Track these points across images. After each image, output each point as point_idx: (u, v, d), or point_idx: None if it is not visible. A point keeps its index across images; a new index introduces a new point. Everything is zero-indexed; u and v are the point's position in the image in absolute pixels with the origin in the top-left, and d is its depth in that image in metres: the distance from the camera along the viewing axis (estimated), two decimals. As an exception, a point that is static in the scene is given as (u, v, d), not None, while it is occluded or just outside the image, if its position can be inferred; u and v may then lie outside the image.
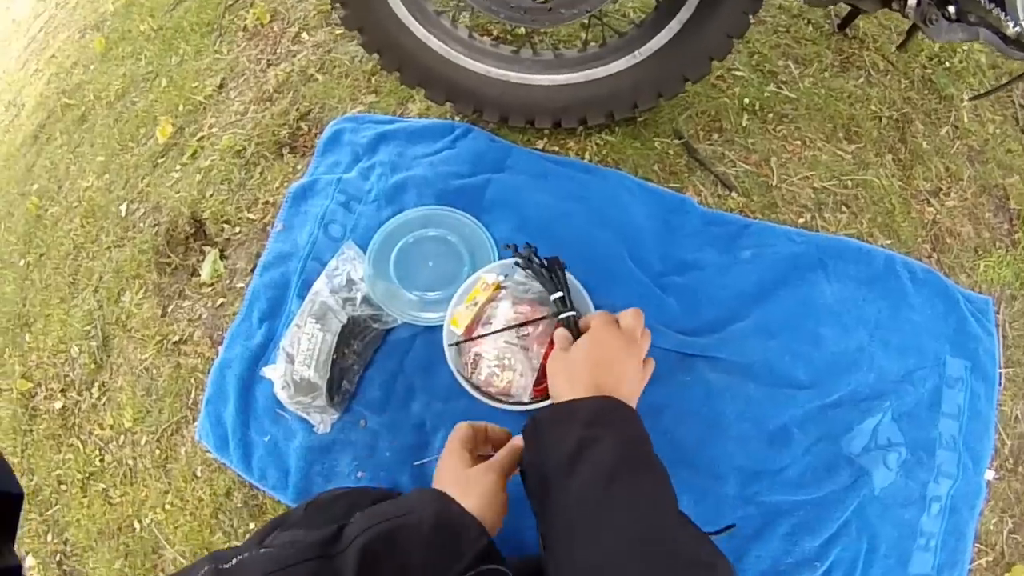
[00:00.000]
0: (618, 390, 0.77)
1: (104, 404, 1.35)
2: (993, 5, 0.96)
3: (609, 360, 0.82)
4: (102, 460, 1.33)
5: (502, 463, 0.81)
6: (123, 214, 1.51)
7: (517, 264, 1.06)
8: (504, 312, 1.03)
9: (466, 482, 0.77)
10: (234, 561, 0.61)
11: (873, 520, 1.06)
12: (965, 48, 1.58)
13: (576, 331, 0.91)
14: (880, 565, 1.04)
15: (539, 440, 0.74)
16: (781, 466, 1.07)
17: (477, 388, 1.03)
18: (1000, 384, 1.19)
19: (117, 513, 1.29)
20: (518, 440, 0.83)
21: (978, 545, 1.14)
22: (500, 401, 1.03)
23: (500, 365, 1.01)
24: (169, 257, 1.40)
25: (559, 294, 0.97)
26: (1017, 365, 1.25)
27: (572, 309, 0.96)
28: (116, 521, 1.29)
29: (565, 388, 0.79)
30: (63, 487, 1.36)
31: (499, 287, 1.06)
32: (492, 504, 0.75)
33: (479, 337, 1.03)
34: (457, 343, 1.06)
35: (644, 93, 1.24)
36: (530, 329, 1.01)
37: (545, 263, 1.02)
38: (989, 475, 1.13)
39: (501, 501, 0.77)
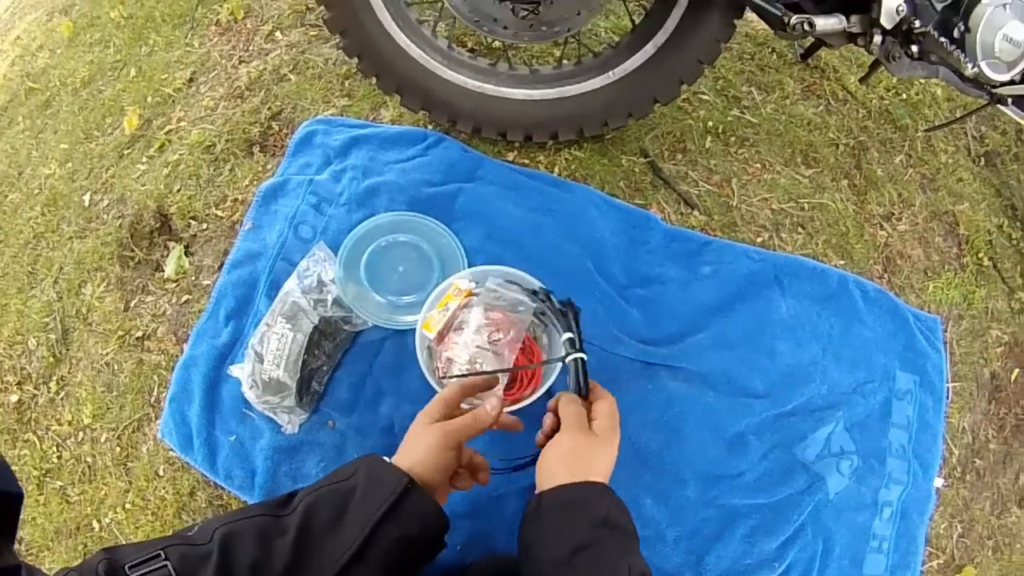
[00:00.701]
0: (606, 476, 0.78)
1: (62, 399, 1.33)
2: (954, 47, 1.03)
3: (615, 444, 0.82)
4: (60, 457, 1.31)
5: (449, 426, 0.82)
6: (86, 204, 1.49)
7: (535, 302, 1.07)
8: (476, 318, 1.06)
9: (411, 440, 0.82)
10: (195, 528, 0.68)
11: (828, 523, 1.12)
12: (922, 82, 1.67)
13: (585, 375, 0.89)
14: (835, 566, 1.11)
15: (540, 521, 0.74)
16: (739, 471, 1.13)
17: (448, 391, 1.06)
18: (948, 398, 1.28)
19: (75, 512, 1.27)
20: (480, 411, 0.85)
21: (929, 548, 1.22)
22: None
23: (471, 369, 1.04)
24: (133, 251, 1.38)
25: (569, 335, 0.94)
26: (964, 380, 1.34)
27: (581, 351, 0.92)
28: (74, 520, 1.26)
29: (575, 469, 0.76)
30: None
31: (471, 293, 1.09)
32: (428, 460, 0.78)
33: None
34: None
35: (615, 112, 1.29)
36: (501, 335, 1.04)
37: (560, 305, 1.01)
38: (939, 483, 1.21)
39: (442, 459, 0.79)
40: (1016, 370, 1.39)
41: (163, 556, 0.62)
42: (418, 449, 0.80)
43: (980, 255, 1.47)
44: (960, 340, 1.38)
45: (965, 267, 1.45)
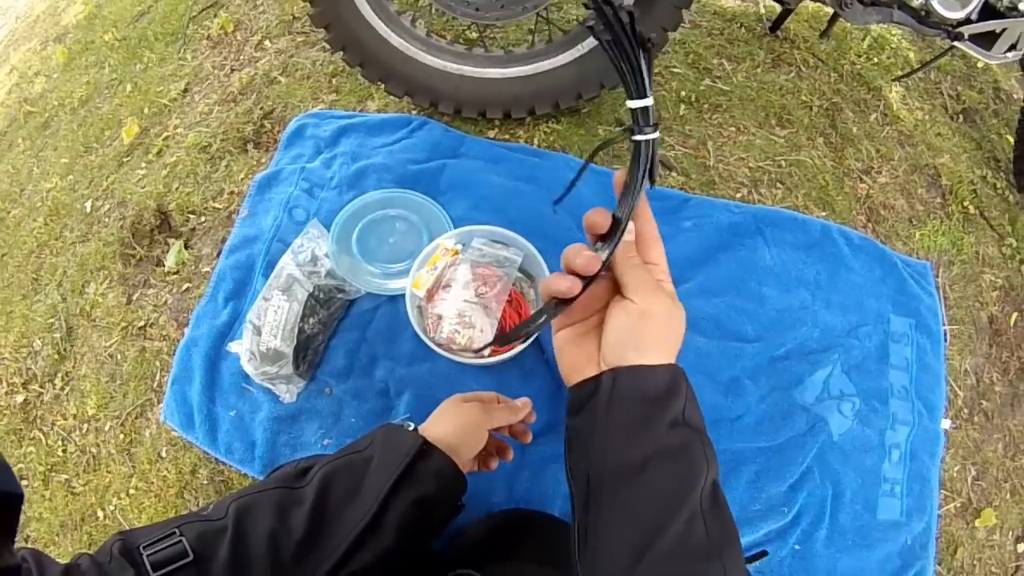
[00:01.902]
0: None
1: (67, 394, 1.35)
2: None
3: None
4: (64, 451, 1.33)
5: (490, 407, 0.88)
6: (88, 211, 1.54)
7: (590, 27, 0.55)
8: (463, 275, 1.09)
9: (441, 413, 0.86)
10: (211, 506, 0.67)
11: (835, 466, 1.12)
12: (893, 45, 1.72)
13: (654, 157, 0.55)
14: (848, 511, 1.10)
15: (611, 410, 0.54)
16: (737, 414, 1.14)
17: (440, 345, 1.09)
18: (946, 340, 1.28)
19: (80, 503, 1.28)
20: (518, 402, 0.92)
21: (944, 492, 1.22)
22: (462, 357, 1.08)
23: (461, 323, 1.07)
24: (134, 249, 1.43)
25: (645, 102, 0.53)
26: (961, 323, 1.35)
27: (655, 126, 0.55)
28: (79, 511, 1.28)
29: (653, 348, 0.55)
30: (25, 482, 1.34)
31: (457, 252, 1.12)
32: (458, 433, 0.81)
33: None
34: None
35: (588, 84, 1.34)
36: (488, 288, 1.08)
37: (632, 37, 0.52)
38: (946, 424, 1.21)
39: (474, 436, 0.82)
40: (1015, 314, 1.41)
41: (178, 533, 0.61)
42: (450, 422, 0.83)
43: (965, 204, 1.49)
44: (953, 285, 1.39)
45: (951, 215, 1.48)
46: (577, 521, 0.55)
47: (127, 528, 1.22)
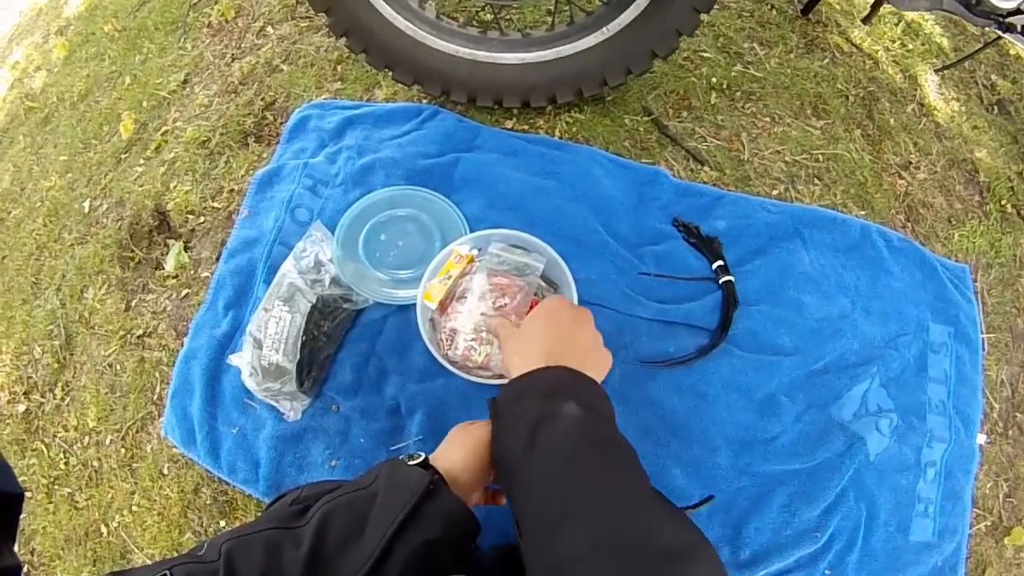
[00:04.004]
0: (578, 360, 0.72)
1: (68, 404, 1.30)
2: (957, -28, 0.97)
3: (559, 329, 0.78)
4: (67, 463, 1.27)
5: None
6: (86, 211, 1.47)
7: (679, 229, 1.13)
8: (480, 284, 1.00)
9: (452, 438, 0.80)
10: (205, 546, 0.63)
11: (871, 487, 1.04)
12: (927, 31, 1.61)
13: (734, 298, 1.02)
14: (881, 532, 1.03)
15: (499, 421, 0.70)
16: (772, 435, 1.06)
17: (454, 363, 1.00)
18: (984, 350, 1.20)
19: (84, 518, 1.23)
20: None
21: (976, 510, 1.14)
22: (479, 376, 1.00)
23: (478, 339, 0.98)
24: (133, 251, 1.36)
25: (720, 262, 1.10)
26: (998, 331, 1.26)
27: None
28: (83, 526, 1.23)
29: (518, 363, 0.74)
30: (28, 494, 1.30)
31: (472, 259, 1.04)
32: (470, 461, 0.75)
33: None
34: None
35: (613, 69, 1.24)
36: (507, 300, 0.99)
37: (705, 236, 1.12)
38: (981, 439, 1.13)
39: (484, 458, 0.76)
40: (1052, 321, 1.30)
41: (169, 575, 0.58)
42: (458, 449, 0.77)
43: (1003, 202, 1.39)
44: (991, 289, 1.29)
45: (989, 214, 1.38)
46: (516, 528, 0.61)
47: (131, 545, 1.19)
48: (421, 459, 0.75)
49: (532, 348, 0.75)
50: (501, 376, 1.00)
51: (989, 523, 1.15)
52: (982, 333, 1.21)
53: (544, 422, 0.63)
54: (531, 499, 0.61)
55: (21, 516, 0.55)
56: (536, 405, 0.65)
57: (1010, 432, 1.21)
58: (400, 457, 0.76)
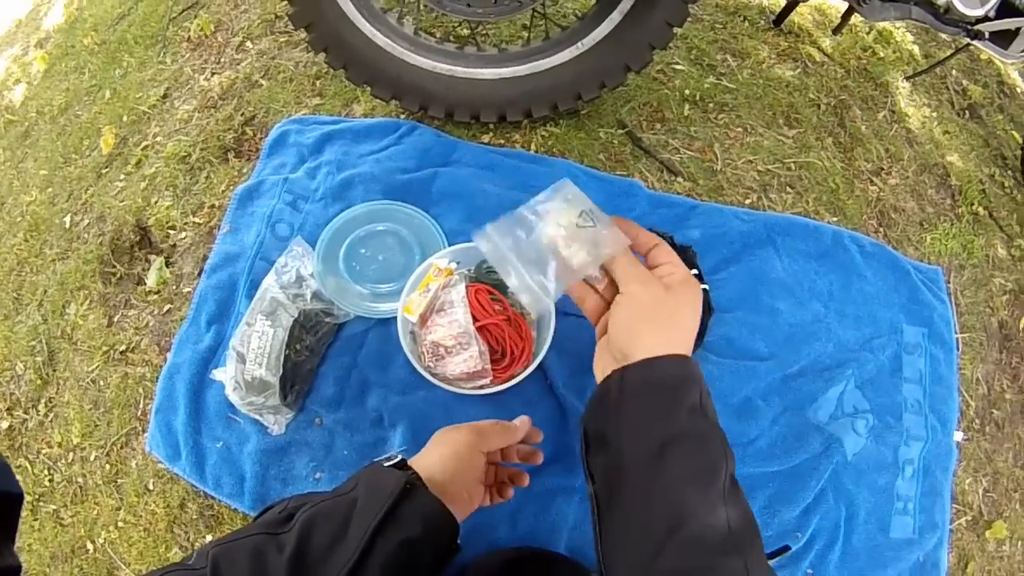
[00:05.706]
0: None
1: (51, 421, 1.30)
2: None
3: (697, 317, 0.61)
4: (51, 480, 1.28)
5: (480, 425, 0.84)
6: (67, 226, 1.48)
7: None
8: (458, 297, 1.02)
9: (434, 442, 0.82)
10: (194, 555, 0.64)
11: (849, 486, 1.08)
12: (898, 39, 1.65)
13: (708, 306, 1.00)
14: (861, 531, 1.06)
15: (622, 399, 0.56)
16: (750, 438, 1.09)
17: (435, 376, 1.02)
18: (958, 349, 1.24)
19: (69, 535, 1.24)
20: (516, 422, 0.88)
21: (955, 506, 1.17)
22: (460, 387, 1.02)
23: (458, 351, 1.00)
24: (114, 267, 1.37)
25: (695, 271, 1.08)
26: (972, 330, 1.30)
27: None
28: (69, 543, 1.23)
29: (658, 340, 0.56)
30: (13, 510, 1.30)
31: (451, 272, 1.06)
32: (448, 463, 0.78)
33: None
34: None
35: (587, 83, 1.26)
36: (486, 310, 1.01)
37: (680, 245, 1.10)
38: (958, 436, 1.17)
39: (467, 461, 0.79)
40: None
41: None
42: (440, 451, 0.80)
43: (974, 205, 1.43)
44: (964, 290, 1.34)
45: (960, 217, 1.42)
46: (597, 520, 0.56)
47: (118, 561, 1.20)
48: (397, 459, 0.77)
49: (679, 334, 0.58)
50: (482, 387, 1.02)
51: (970, 518, 1.19)
52: (956, 333, 1.25)
53: (684, 441, 0.54)
54: (652, 505, 0.53)
55: (21, 517, 0.56)
56: (679, 416, 0.54)
57: (987, 428, 1.25)
58: (377, 459, 0.79)
